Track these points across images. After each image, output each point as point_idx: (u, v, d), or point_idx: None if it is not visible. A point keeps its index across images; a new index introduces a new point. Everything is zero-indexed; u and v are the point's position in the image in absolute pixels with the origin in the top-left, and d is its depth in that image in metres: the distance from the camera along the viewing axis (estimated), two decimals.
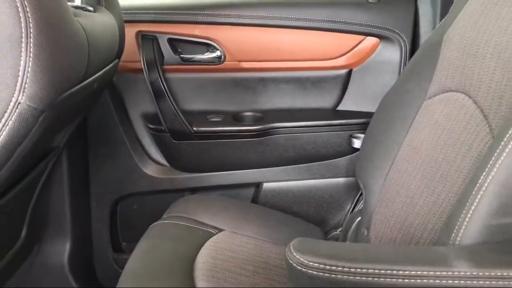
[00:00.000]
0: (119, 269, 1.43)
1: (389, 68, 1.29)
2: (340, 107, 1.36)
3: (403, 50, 1.28)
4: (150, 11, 1.31)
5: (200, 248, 1.02)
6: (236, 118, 1.35)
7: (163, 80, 1.30)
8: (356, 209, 1.33)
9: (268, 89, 1.35)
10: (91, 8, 0.93)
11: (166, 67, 1.32)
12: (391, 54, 1.29)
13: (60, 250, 1.38)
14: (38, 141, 0.75)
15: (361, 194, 1.23)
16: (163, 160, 1.41)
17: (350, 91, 1.35)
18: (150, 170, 1.38)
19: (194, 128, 1.31)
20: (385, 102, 1.13)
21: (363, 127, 1.26)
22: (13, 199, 0.95)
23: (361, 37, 1.29)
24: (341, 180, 1.35)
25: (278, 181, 1.36)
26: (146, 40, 1.31)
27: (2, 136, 0.64)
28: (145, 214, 1.39)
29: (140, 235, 1.07)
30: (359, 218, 1.15)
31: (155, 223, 1.11)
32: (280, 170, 1.36)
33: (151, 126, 1.36)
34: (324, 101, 1.36)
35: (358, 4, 1.28)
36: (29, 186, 1.06)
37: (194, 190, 1.39)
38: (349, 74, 1.33)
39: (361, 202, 1.21)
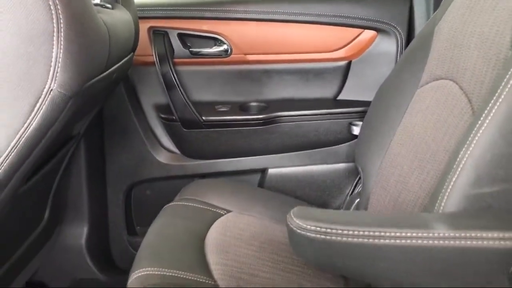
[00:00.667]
0: (134, 251, 1.51)
1: (386, 59, 1.36)
2: (340, 97, 1.43)
3: (399, 42, 1.34)
4: (161, 8, 1.38)
5: (209, 227, 1.10)
6: (242, 107, 1.43)
7: (173, 72, 1.38)
8: (355, 192, 1.40)
9: (272, 80, 1.42)
10: (109, 6, 1.01)
11: (176, 60, 1.40)
12: (388, 46, 1.36)
13: (79, 233, 1.47)
14: (65, 126, 0.83)
15: (360, 178, 1.30)
16: (174, 148, 1.48)
17: (350, 81, 1.42)
18: (162, 157, 1.46)
19: (203, 117, 1.38)
20: (382, 91, 1.20)
21: (361, 115, 1.33)
22: (39, 182, 1.04)
23: (360, 30, 1.36)
24: (341, 165, 1.42)
25: (282, 167, 1.44)
26: (158, 35, 1.38)
27: (36, 119, 0.72)
28: (158, 199, 1.46)
29: (153, 219, 1.14)
30: (358, 200, 1.22)
31: (168, 205, 1.19)
32: (284, 157, 1.43)
33: (162, 115, 1.44)
34: (325, 91, 1.43)
35: None
36: (52, 170, 1.15)
37: (203, 176, 1.47)
38: (348, 65, 1.40)
39: (360, 185, 1.28)
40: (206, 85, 1.43)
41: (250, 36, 1.39)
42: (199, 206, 1.18)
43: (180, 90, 1.38)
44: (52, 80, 0.70)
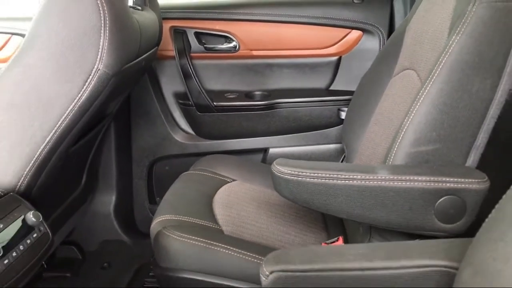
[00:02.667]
0: (152, 215, 1.74)
1: (371, 55, 1.55)
2: (332, 87, 1.64)
3: (381, 40, 1.55)
4: (181, 10, 1.61)
5: (217, 190, 1.31)
6: (247, 95, 1.64)
7: (190, 65, 1.60)
8: None
9: (273, 72, 1.64)
10: (140, 8, 1.24)
11: (192, 54, 1.62)
12: (372, 43, 1.57)
13: (108, 200, 1.69)
14: (105, 101, 1.06)
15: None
16: (189, 129, 1.71)
17: (340, 74, 1.62)
18: (179, 137, 1.69)
19: (215, 103, 1.60)
20: (363, 81, 1.40)
21: (348, 102, 1.53)
22: (81, 148, 1.27)
23: (348, 30, 1.57)
24: (332, 146, 1.62)
25: (281, 147, 1.65)
26: (177, 33, 1.61)
27: (87, 91, 0.95)
28: (175, 174, 1.66)
29: None
30: None
31: (184, 173, 1.41)
32: (283, 138, 1.64)
33: (180, 101, 1.66)
34: (319, 82, 1.64)
35: (345, 3, 1.56)
36: (90, 142, 1.38)
37: (214, 154, 1.69)
38: (339, 60, 1.61)
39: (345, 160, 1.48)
40: (217, 76, 1.65)
41: (255, 35, 1.61)
42: (209, 174, 1.39)
43: (195, 79, 1.60)
44: (99, 62, 0.93)
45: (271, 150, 1.65)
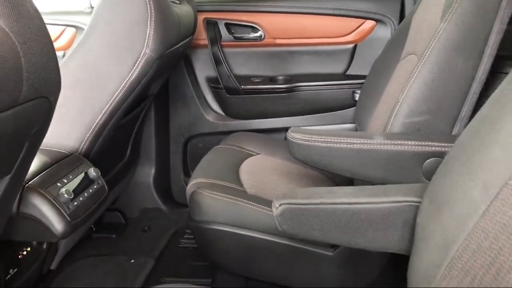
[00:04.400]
0: (186, 186, 1.93)
1: (383, 43, 1.66)
2: (348, 72, 1.79)
3: (392, 29, 1.68)
4: (213, 4, 1.79)
5: (243, 161, 1.49)
6: (271, 79, 1.81)
7: (221, 52, 1.78)
8: None
9: (295, 58, 1.80)
10: (178, 1, 1.43)
11: (223, 43, 1.80)
12: (384, 32, 1.70)
13: (148, 173, 1.89)
14: (149, 81, 1.25)
15: None
16: (219, 110, 1.89)
17: (355, 60, 1.77)
18: (211, 117, 1.88)
19: (242, 86, 1.78)
20: (374, 66, 1.55)
21: (362, 85, 1.68)
22: (128, 122, 1.47)
23: (363, 20, 1.71)
24: (347, 125, 1.77)
25: (302, 126, 1.81)
26: (209, 24, 1.79)
27: (136, 71, 1.14)
28: (207, 150, 1.84)
29: None
30: None
31: (215, 147, 1.60)
32: (303, 118, 1.80)
33: (212, 85, 1.85)
34: (336, 67, 1.79)
35: None
36: (134, 118, 1.58)
37: (241, 132, 1.86)
38: (354, 47, 1.76)
39: None
40: (245, 62, 1.82)
41: (279, 25, 1.77)
42: (236, 148, 1.57)
43: (225, 65, 1.78)
44: (146, 47, 1.12)
45: None
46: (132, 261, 1.60)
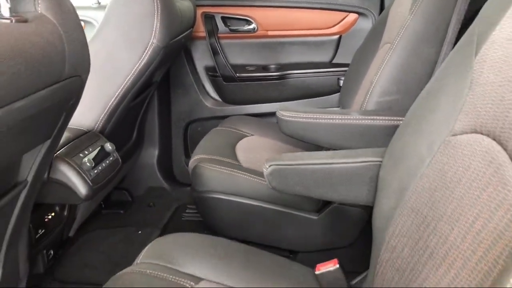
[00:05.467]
0: (187, 167, 2.08)
1: (365, 34, 1.81)
2: (334, 61, 1.95)
3: (373, 21, 1.83)
4: None
5: (239, 141, 1.63)
6: (264, 68, 1.96)
7: (218, 43, 1.93)
8: None
9: (285, 49, 1.95)
10: None
11: (220, 35, 1.94)
12: (366, 24, 1.86)
13: (152, 154, 2.03)
14: (154, 69, 1.40)
15: None
16: (217, 97, 2.04)
17: (340, 50, 1.92)
18: (209, 103, 2.03)
19: (237, 74, 1.93)
20: (356, 55, 1.69)
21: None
22: (136, 106, 1.61)
23: (346, 13, 1.87)
24: (333, 109, 1.93)
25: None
26: (207, 18, 1.94)
27: (145, 59, 1.29)
28: (205, 133, 1.97)
29: None
30: None
31: (213, 129, 1.75)
32: (293, 103, 1.95)
33: (210, 73, 2.00)
34: (323, 56, 1.94)
35: None
36: (140, 103, 1.72)
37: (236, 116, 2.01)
38: (339, 38, 1.91)
39: None
40: (240, 52, 1.97)
41: (270, 18, 1.92)
42: (233, 130, 1.72)
43: (222, 55, 1.93)
44: (153, 37, 1.27)
45: None
46: (140, 232, 1.76)
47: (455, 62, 0.75)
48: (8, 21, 0.63)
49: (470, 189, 0.59)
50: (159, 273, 0.87)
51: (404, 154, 0.80)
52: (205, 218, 1.45)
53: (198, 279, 0.87)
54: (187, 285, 0.85)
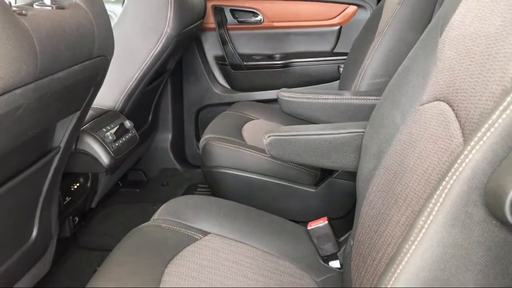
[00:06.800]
0: (199, 152, 2.22)
1: (363, 25, 1.96)
2: (335, 50, 2.06)
3: (371, 13, 1.95)
4: None
5: (245, 123, 1.76)
6: (270, 57, 2.09)
7: (227, 34, 2.06)
8: None
9: (290, 39, 2.07)
10: None
11: (228, 26, 2.07)
12: (364, 15, 1.96)
13: (165, 138, 2.17)
14: (167, 56, 1.53)
15: None
16: (226, 84, 2.17)
17: (341, 40, 2.04)
18: (218, 90, 2.16)
19: (245, 63, 2.06)
20: (354, 44, 1.81)
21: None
22: (150, 91, 1.75)
23: (346, 6, 1.98)
24: (328, 91, 2.03)
25: None
26: (217, 10, 2.06)
27: (159, 47, 1.42)
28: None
29: None
30: None
31: (222, 113, 1.87)
32: (296, 90, 2.07)
33: (219, 62, 2.13)
34: (325, 46, 2.06)
35: None
36: (156, 88, 1.85)
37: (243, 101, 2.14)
38: (340, 29, 2.03)
39: None
40: (247, 43, 2.10)
41: (276, 10, 2.04)
42: (240, 114, 1.85)
43: (230, 45, 2.06)
44: (167, 27, 1.40)
45: None
46: (155, 207, 1.88)
47: (425, 42, 0.87)
48: (50, 8, 0.77)
49: (427, 143, 0.71)
50: (172, 227, 0.99)
51: (382, 123, 0.92)
52: (214, 191, 1.58)
53: (205, 233, 1.00)
54: (196, 237, 0.98)
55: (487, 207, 0.48)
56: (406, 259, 0.51)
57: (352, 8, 1.98)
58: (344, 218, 1.51)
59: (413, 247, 0.51)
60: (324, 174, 1.46)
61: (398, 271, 0.52)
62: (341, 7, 1.99)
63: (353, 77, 1.62)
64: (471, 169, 0.49)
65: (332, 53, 2.05)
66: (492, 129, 0.48)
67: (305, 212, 1.50)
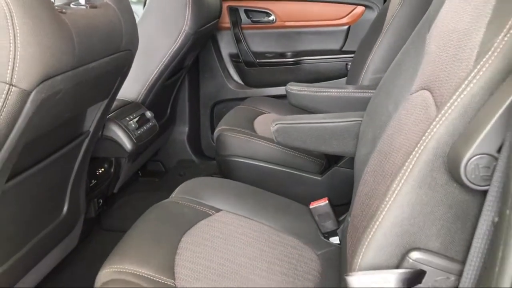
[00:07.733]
0: (213, 143, 2.33)
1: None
2: (343, 49, 2.15)
3: (377, 13, 2.03)
4: None
5: (257, 117, 1.86)
6: (281, 55, 2.18)
7: (241, 33, 2.16)
8: None
9: (301, 38, 2.16)
10: None
11: (242, 26, 2.17)
12: (372, 16, 2.05)
13: (182, 131, 2.27)
14: (185, 53, 1.64)
15: None
16: (239, 80, 2.28)
17: (349, 38, 2.13)
18: (232, 86, 2.26)
19: (258, 60, 2.16)
20: (361, 43, 1.90)
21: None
22: (169, 85, 1.86)
23: (354, 6, 2.07)
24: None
25: None
26: (232, 10, 2.17)
27: (178, 44, 1.53)
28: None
29: None
30: None
31: (235, 107, 1.98)
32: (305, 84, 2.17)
33: (233, 59, 2.23)
34: (334, 45, 2.15)
35: None
36: (172, 84, 1.96)
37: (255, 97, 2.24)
38: (348, 28, 2.12)
39: None
40: (260, 41, 2.20)
41: (288, 11, 2.14)
42: (252, 108, 1.95)
43: (244, 43, 2.16)
44: (185, 25, 1.51)
45: None
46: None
47: (416, 38, 0.96)
48: (84, 7, 0.88)
49: (412, 126, 0.80)
50: (188, 203, 1.11)
51: (377, 111, 1.01)
52: (227, 178, 1.69)
53: (218, 209, 1.11)
54: (210, 213, 1.09)
55: (449, 172, 0.58)
56: (382, 216, 0.61)
57: (360, 9, 2.07)
58: (347, 205, 1.60)
59: (388, 206, 0.61)
60: (329, 162, 1.55)
61: (376, 226, 0.61)
62: (349, 7, 2.08)
63: (358, 73, 1.71)
64: (436, 140, 0.59)
65: (340, 51, 2.14)
66: (452, 107, 0.58)
67: (311, 199, 1.59)
